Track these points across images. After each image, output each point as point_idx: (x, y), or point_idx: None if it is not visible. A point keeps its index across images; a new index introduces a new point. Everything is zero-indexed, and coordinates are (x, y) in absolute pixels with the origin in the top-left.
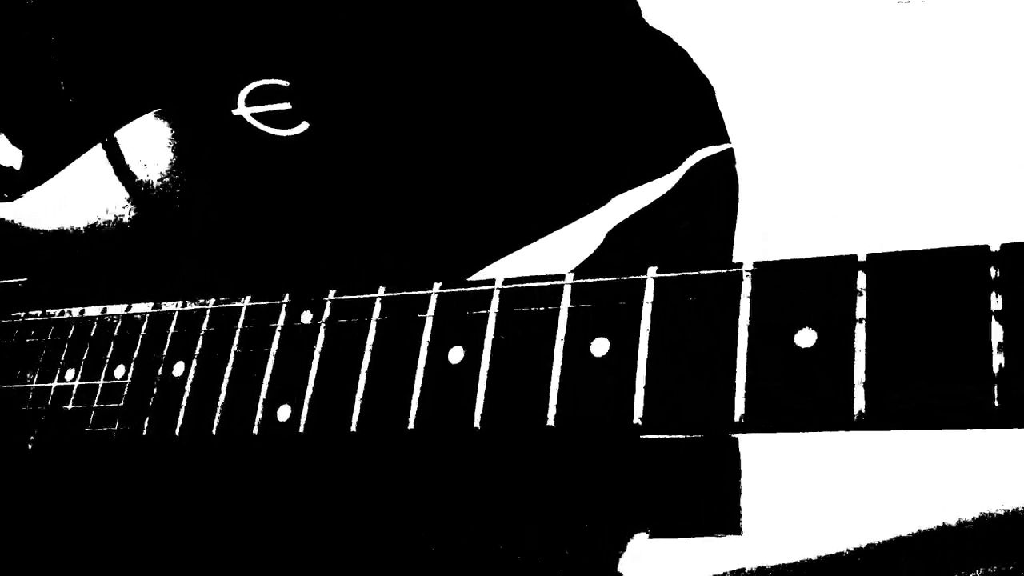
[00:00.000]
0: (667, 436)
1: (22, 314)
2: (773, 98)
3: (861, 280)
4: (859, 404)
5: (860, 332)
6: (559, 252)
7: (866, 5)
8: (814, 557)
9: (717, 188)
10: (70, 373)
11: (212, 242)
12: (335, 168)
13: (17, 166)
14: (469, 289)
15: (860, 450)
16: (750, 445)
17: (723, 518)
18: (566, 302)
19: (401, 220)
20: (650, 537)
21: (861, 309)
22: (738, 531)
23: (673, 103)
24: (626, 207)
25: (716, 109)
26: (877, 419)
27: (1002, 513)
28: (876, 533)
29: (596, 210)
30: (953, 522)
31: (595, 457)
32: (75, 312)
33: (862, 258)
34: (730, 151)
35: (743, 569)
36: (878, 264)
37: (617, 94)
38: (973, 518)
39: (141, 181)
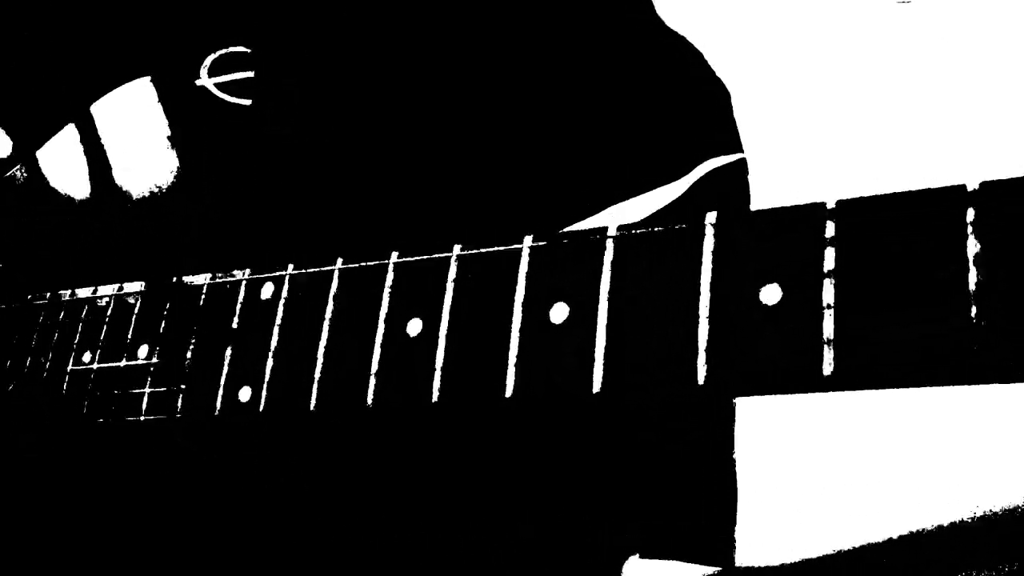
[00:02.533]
0: (662, 452)
1: None
2: (771, 98)
3: (830, 229)
4: (828, 362)
5: (828, 285)
6: None
7: (866, 4)
8: (812, 557)
9: (727, 200)
10: (40, 360)
11: (181, 220)
12: (300, 136)
13: (5, 152)
14: (426, 258)
15: (859, 448)
16: (747, 443)
17: (716, 549)
18: (524, 267)
19: (366, 200)
20: (640, 558)
21: (830, 260)
22: (730, 563)
23: (684, 107)
24: (626, 215)
25: (731, 116)
26: (847, 378)
27: (1002, 512)
28: (874, 534)
29: (590, 216)
30: (952, 522)
31: (584, 474)
32: (47, 297)
33: (831, 205)
34: (743, 161)
35: (739, 568)
36: (848, 211)
37: (624, 95)
38: (973, 518)
39: (107, 161)
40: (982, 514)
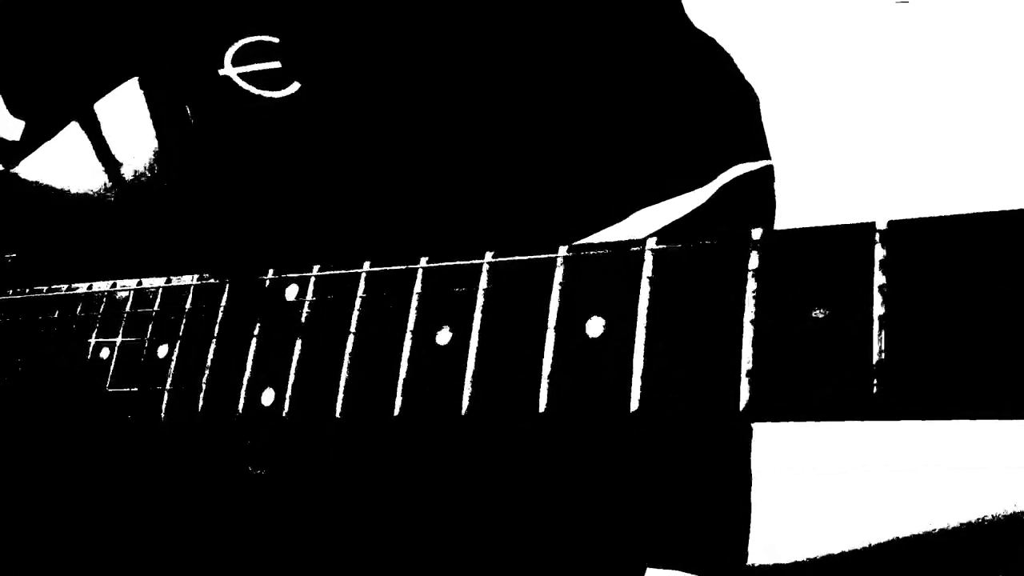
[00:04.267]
0: (675, 462)
1: (10, 291)
2: (801, 103)
3: (879, 252)
4: (875, 390)
5: (878, 309)
6: None
7: (864, 5)
8: (819, 556)
9: (752, 208)
10: (56, 354)
11: (201, 213)
12: (328, 133)
13: (17, 136)
14: (456, 264)
15: (864, 450)
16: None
17: (728, 560)
18: (558, 278)
19: (391, 200)
20: (655, 567)
21: (880, 283)
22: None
23: (711, 112)
24: (651, 222)
25: (758, 121)
26: (896, 407)
27: (1009, 515)
28: (881, 534)
29: (617, 223)
30: (958, 524)
31: (598, 480)
32: (63, 289)
33: (882, 226)
34: (769, 168)
35: (751, 566)
36: (899, 233)
37: (650, 98)
38: (978, 520)
39: (126, 149)
40: (990, 516)
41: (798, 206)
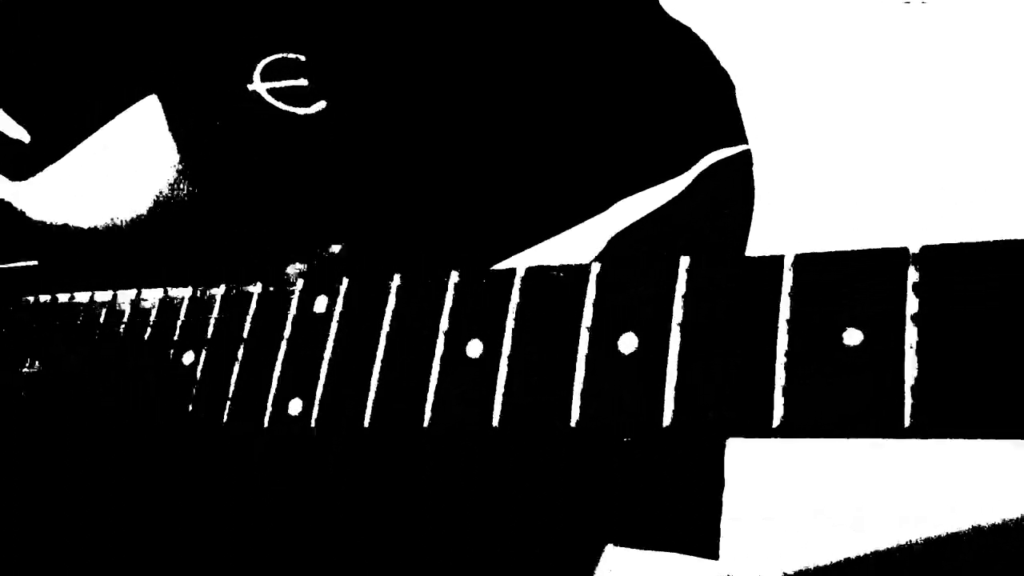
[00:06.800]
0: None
1: (31, 298)
2: (774, 96)
3: (912, 275)
4: (908, 411)
5: (911, 333)
6: (556, 258)
7: (870, 5)
8: (810, 567)
9: (731, 193)
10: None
11: (225, 225)
12: (352, 150)
13: (22, 144)
14: (488, 278)
15: (863, 453)
16: (736, 449)
17: (701, 539)
18: (591, 293)
19: (410, 211)
20: (616, 545)
21: (912, 308)
22: (715, 555)
23: (687, 99)
24: (632, 211)
25: (734, 107)
26: (929, 427)
27: (1008, 523)
28: (872, 543)
29: (599, 214)
30: (956, 531)
31: (568, 462)
32: (84, 298)
33: (914, 251)
34: (747, 152)
35: None
36: (932, 258)
37: (627, 88)
38: (980, 523)
39: (153, 161)
40: (991, 524)
41: (786, 193)
